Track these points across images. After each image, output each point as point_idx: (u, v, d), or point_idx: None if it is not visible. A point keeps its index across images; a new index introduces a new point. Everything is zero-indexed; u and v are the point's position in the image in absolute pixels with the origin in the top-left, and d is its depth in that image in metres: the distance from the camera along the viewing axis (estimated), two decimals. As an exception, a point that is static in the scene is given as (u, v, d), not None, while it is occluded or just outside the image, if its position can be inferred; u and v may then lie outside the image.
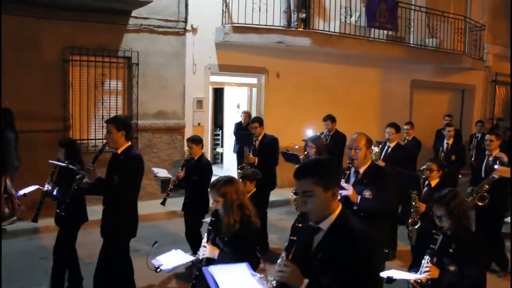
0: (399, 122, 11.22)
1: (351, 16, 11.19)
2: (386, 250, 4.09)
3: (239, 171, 7.62)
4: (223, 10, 9.96)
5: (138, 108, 9.35)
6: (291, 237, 2.45)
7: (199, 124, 10.18)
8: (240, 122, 10.87)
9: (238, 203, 3.55)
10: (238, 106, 12.31)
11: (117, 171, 4.69)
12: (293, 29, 10.42)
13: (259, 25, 9.80)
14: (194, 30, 9.89)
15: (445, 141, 8.98)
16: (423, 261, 3.57)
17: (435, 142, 10.20)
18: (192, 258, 3.84)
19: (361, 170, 4.30)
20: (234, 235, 3.48)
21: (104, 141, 8.85)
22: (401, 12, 11.77)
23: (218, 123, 14.09)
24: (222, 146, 13.25)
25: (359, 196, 4.17)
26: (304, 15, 10.65)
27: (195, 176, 6.21)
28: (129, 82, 9.36)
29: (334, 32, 10.74)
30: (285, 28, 10.35)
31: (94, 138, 9.02)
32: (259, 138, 7.44)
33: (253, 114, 11.20)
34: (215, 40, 10.13)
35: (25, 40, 8.24)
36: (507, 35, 14.10)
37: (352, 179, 4.34)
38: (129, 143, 4.84)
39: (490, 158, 6.46)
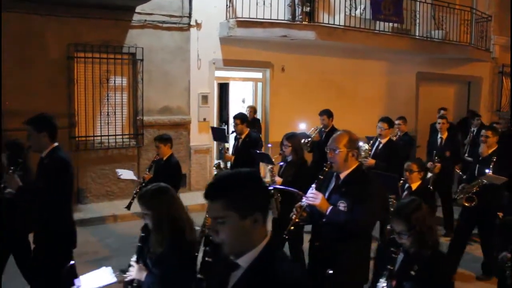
0: (405, 114, 11.14)
1: (356, 9, 11.11)
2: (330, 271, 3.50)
3: (214, 168, 7.36)
4: (227, 5, 9.92)
5: (143, 104, 9.34)
6: (198, 275, 2.01)
7: (204, 119, 10.17)
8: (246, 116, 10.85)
9: (169, 217, 3.03)
10: (243, 101, 12.28)
11: (41, 177, 4.14)
12: (298, 22, 10.35)
13: (263, 19, 9.74)
14: (198, 25, 9.85)
15: (439, 136, 8.36)
16: (378, 284, 3.08)
17: (430, 137, 9.64)
18: (115, 280, 3.41)
19: (342, 175, 3.64)
20: (162, 254, 3.02)
21: (111, 138, 9.07)
22: (406, 4, 11.67)
23: (223, 118, 14.05)
24: (227, 141, 13.22)
25: (330, 207, 3.53)
26: (308, 8, 10.58)
27: (162, 178, 5.65)
28: (134, 78, 9.35)
29: (339, 25, 10.66)
30: (289, 21, 10.29)
31: (100, 135, 9.02)
32: (242, 136, 7.10)
33: (259, 109, 11.19)
34: (219, 35, 10.09)
35: (29, 37, 8.24)
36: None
37: (332, 185, 3.71)
38: (55, 144, 4.19)
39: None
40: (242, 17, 9.75)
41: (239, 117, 7.20)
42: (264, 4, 9.78)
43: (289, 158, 5.76)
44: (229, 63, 10.40)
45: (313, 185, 3.61)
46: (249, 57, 10.53)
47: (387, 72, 12.77)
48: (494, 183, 5.83)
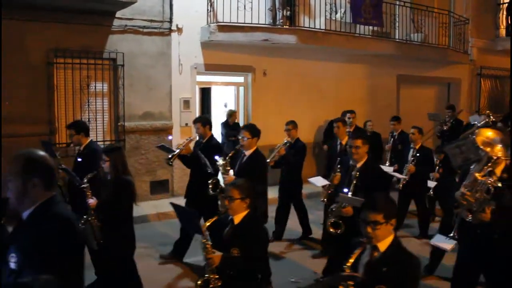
0: (387, 117, 11.27)
1: (336, 13, 11.21)
2: None
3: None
4: (208, 9, 9.92)
5: (124, 109, 9.28)
6: None
7: (186, 124, 10.13)
8: (227, 121, 10.85)
9: None
10: (225, 105, 12.28)
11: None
12: (279, 26, 10.41)
13: (244, 23, 9.77)
14: (179, 30, 9.83)
15: (338, 141, 7.50)
16: None
17: (325, 141, 8.75)
18: None
19: (25, 215, 2.49)
20: None
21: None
22: (386, 8, 11.81)
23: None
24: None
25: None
26: (289, 12, 10.66)
27: None
28: (115, 84, 9.28)
29: (320, 29, 10.75)
30: (270, 26, 10.34)
31: (81, 141, 8.93)
32: (81, 148, 6.16)
33: (241, 113, 11.19)
34: (200, 39, 10.08)
35: (9, 43, 8.09)
36: (490, 28, 14.26)
37: None
38: None
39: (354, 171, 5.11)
40: (223, 22, 9.77)
41: (73, 127, 6.23)
42: (245, 8, 9.80)
43: (109, 176, 5.01)
44: (210, 68, 10.39)
45: None
46: (231, 61, 10.53)
47: (368, 75, 12.89)
48: (353, 204, 4.76)
